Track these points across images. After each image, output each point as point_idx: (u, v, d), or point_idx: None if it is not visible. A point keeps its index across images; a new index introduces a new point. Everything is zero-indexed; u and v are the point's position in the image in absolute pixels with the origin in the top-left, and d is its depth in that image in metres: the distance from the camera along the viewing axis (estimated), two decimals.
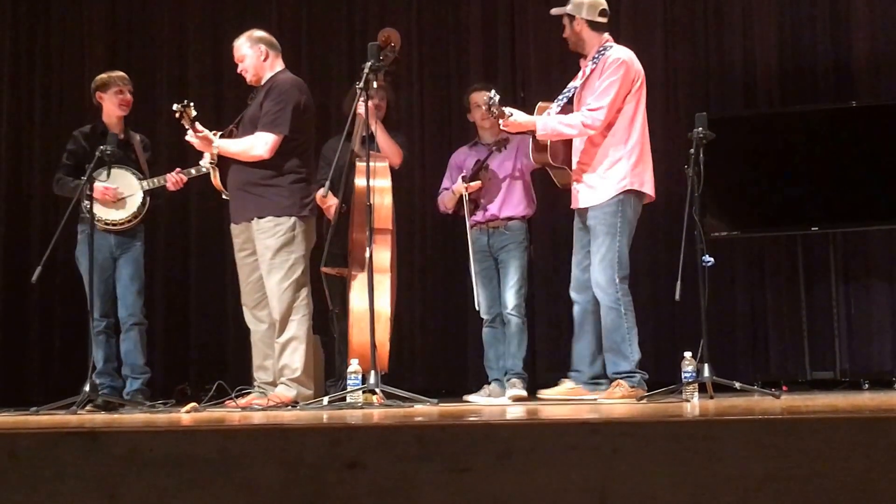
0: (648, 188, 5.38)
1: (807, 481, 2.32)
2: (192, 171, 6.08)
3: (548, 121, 5.32)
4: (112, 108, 6.23)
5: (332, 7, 8.85)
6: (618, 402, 4.93)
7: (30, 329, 8.46)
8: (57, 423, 4.02)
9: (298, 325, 5.47)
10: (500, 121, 5.28)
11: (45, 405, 5.39)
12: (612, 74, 5.28)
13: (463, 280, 8.00)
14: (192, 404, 5.17)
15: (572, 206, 5.52)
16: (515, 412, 4.18)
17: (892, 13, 7.70)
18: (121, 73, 6.33)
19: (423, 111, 8.56)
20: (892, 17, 7.70)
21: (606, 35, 5.46)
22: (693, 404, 4.54)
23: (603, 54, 5.37)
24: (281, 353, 5.46)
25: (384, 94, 6.08)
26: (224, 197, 5.72)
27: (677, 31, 8.12)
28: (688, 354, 4.96)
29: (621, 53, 5.37)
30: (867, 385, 6.86)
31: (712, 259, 4.96)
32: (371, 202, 5.20)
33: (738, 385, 4.91)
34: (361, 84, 5.30)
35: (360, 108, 5.52)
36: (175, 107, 5.39)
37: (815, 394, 6.15)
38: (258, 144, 5.48)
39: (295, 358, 5.44)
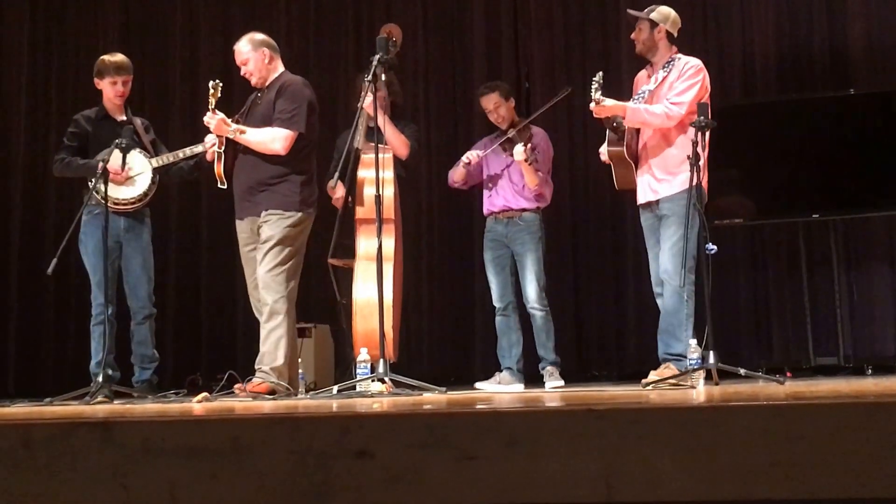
0: (706, 189, 5.46)
1: (811, 466, 2.34)
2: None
3: (637, 108, 5.46)
4: (107, 96, 6.23)
5: (339, 1, 8.88)
6: (661, 380, 4.99)
7: (44, 320, 8.52)
8: (70, 413, 4.05)
9: (285, 317, 5.49)
10: (592, 103, 5.36)
11: (58, 396, 5.43)
12: (692, 77, 5.46)
13: (469, 268, 8.05)
14: (204, 394, 5.21)
15: (640, 201, 5.62)
16: (523, 400, 4.21)
17: (888, 1, 7.71)
18: (118, 61, 6.23)
19: (429, 105, 8.60)
20: (888, 5, 7.72)
21: (675, 47, 5.65)
22: (698, 391, 4.56)
23: (675, 62, 5.56)
24: (266, 339, 5.48)
25: (387, 86, 6.09)
26: (220, 186, 5.72)
27: None
28: (692, 342, 4.98)
29: (698, 61, 5.57)
30: (870, 370, 6.88)
31: (715, 247, 4.98)
32: (380, 193, 5.23)
33: (742, 371, 4.93)
34: (369, 76, 5.34)
35: (365, 101, 5.59)
36: (211, 84, 5.51)
37: (818, 380, 6.17)
38: (277, 139, 5.54)
39: (279, 347, 5.46)
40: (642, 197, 5.60)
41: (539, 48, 8.42)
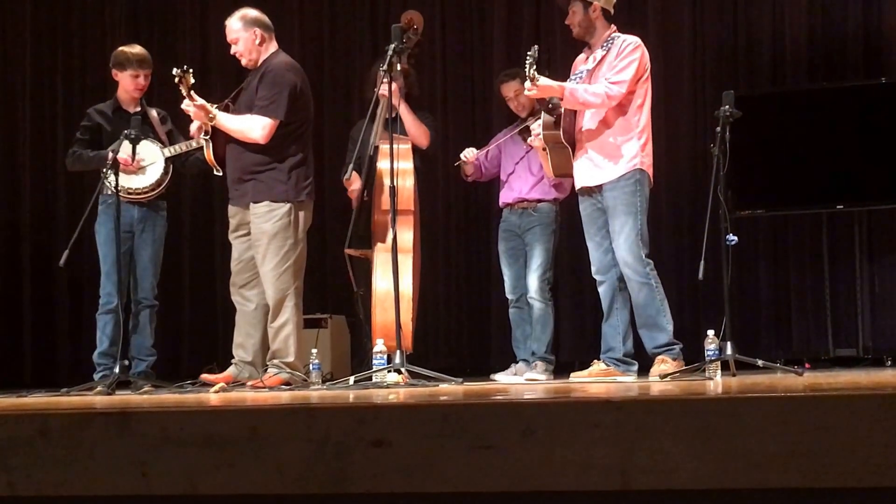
0: (651, 174, 5.39)
1: (829, 458, 2.34)
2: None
3: (575, 88, 5.30)
4: (126, 89, 6.15)
5: None
6: (677, 372, 4.95)
7: (59, 311, 8.55)
8: (87, 403, 4.07)
9: (293, 311, 5.47)
10: (528, 82, 5.19)
11: (75, 386, 5.44)
12: (630, 55, 5.28)
13: (486, 260, 8.04)
14: (220, 384, 5.22)
15: (578, 185, 5.49)
16: (539, 390, 4.21)
17: None
18: (140, 54, 6.14)
19: (447, 93, 8.54)
20: None
21: (613, 25, 5.47)
22: (716, 382, 4.55)
23: (614, 40, 5.38)
24: (275, 337, 5.46)
25: (405, 74, 6.05)
26: (216, 172, 5.66)
27: (706, 8, 8.08)
28: (711, 332, 4.96)
29: (636, 39, 5.38)
30: (890, 362, 6.85)
31: (736, 237, 4.96)
32: (395, 184, 5.22)
33: (760, 363, 4.92)
34: (385, 66, 5.27)
35: (384, 91, 5.50)
36: (175, 71, 5.31)
37: (837, 371, 6.14)
38: (255, 127, 5.42)
39: (288, 344, 5.44)
40: (580, 181, 5.45)
41: (562, 35, 8.36)
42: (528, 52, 5.16)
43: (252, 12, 5.63)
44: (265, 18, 5.65)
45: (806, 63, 7.86)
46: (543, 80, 5.20)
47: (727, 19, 8.03)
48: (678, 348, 5.19)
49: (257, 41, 5.56)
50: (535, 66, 5.11)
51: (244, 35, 5.56)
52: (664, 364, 5.12)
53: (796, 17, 7.90)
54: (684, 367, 5.07)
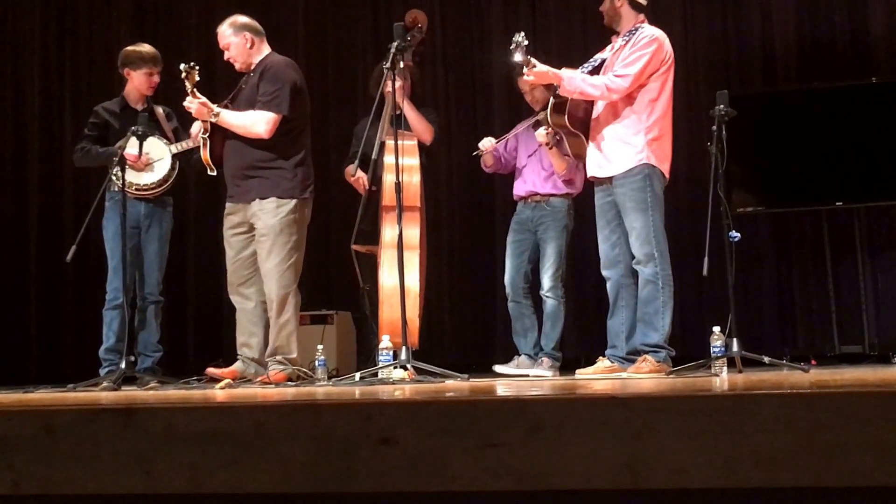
0: (665, 169, 5.35)
1: (836, 455, 2.33)
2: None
3: (573, 76, 5.28)
4: (139, 87, 6.18)
5: None
6: (644, 376, 4.94)
7: (64, 306, 8.56)
8: (93, 399, 4.07)
9: (295, 308, 5.50)
10: (525, 69, 5.18)
11: (81, 382, 5.44)
12: (643, 48, 5.25)
13: (491, 256, 8.04)
14: (226, 380, 5.22)
15: (588, 174, 5.49)
16: (546, 387, 4.20)
17: None
18: (153, 53, 6.20)
19: (448, 91, 8.57)
20: None
21: (642, 16, 5.44)
22: (722, 379, 4.54)
23: (636, 31, 5.34)
24: (278, 334, 5.48)
25: (409, 72, 6.07)
26: (210, 173, 5.68)
27: (696, 8, 8.11)
28: (716, 329, 4.96)
29: (656, 32, 5.34)
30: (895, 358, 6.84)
31: (739, 234, 4.95)
32: (400, 180, 5.21)
33: (766, 359, 4.91)
34: (388, 64, 5.29)
35: (388, 88, 5.53)
36: (183, 66, 5.38)
37: (843, 368, 6.13)
38: (259, 122, 5.45)
39: (291, 340, 5.49)
40: (590, 171, 5.46)
41: (557, 34, 8.38)
42: (514, 39, 5.14)
43: (241, 18, 5.71)
44: (255, 23, 5.72)
45: (796, 64, 7.89)
46: (540, 67, 5.20)
47: (717, 20, 8.06)
48: (665, 353, 5.17)
49: (248, 45, 5.63)
50: (520, 53, 5.11)
51: (234, 40, 5.64)
52: (645, 363, 5.11)
53: (785, 19, 7.94)
54: (691, 364, 5.05)
